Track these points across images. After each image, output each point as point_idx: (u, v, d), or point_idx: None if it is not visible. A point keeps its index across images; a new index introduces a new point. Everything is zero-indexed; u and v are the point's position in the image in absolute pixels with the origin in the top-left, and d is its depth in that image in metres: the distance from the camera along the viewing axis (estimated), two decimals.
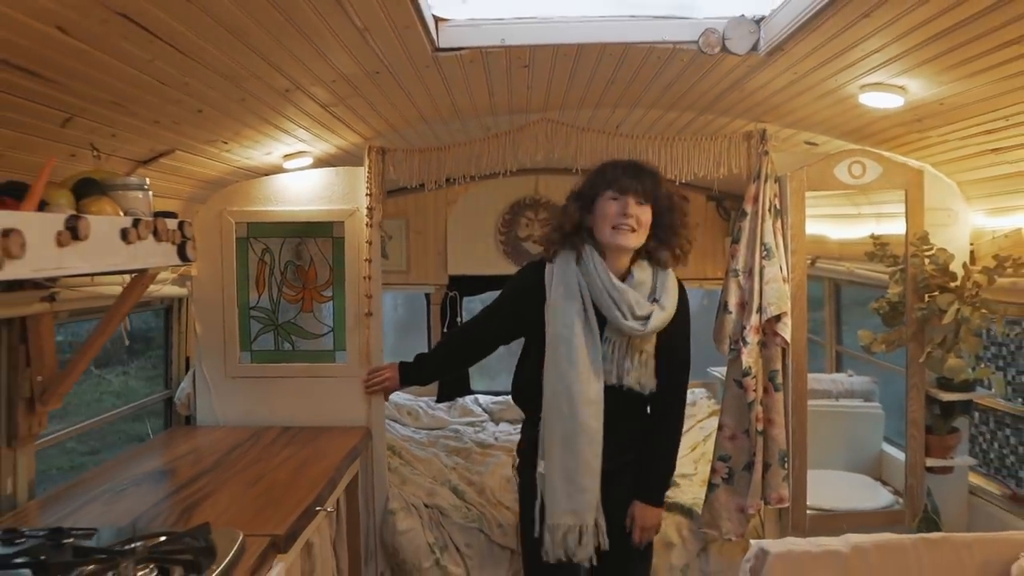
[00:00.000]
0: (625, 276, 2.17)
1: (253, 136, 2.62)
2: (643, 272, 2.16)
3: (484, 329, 2.54)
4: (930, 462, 2.81)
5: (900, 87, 2.17)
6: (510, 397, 2.75)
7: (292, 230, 3.10)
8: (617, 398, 2.16)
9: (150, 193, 2.10)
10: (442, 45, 2.06)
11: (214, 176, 2.97)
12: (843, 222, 3.66)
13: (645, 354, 2.14)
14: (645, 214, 2.12)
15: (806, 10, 1.75)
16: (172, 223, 2.14)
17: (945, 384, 2.77)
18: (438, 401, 4.60)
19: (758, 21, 2.04)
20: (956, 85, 2.07)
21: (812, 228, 4.00)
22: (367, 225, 3.04)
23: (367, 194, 3.03)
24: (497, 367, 5.41)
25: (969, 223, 2.87)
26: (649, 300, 2.14)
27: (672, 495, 3.26)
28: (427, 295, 4.84)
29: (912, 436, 2.79)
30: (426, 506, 3.17)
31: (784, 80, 2.29)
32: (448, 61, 2.14)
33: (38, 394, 2.26)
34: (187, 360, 3.30)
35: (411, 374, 2.75)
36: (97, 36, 1.57)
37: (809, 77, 2.23)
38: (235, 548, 1.79)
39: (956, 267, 2.71)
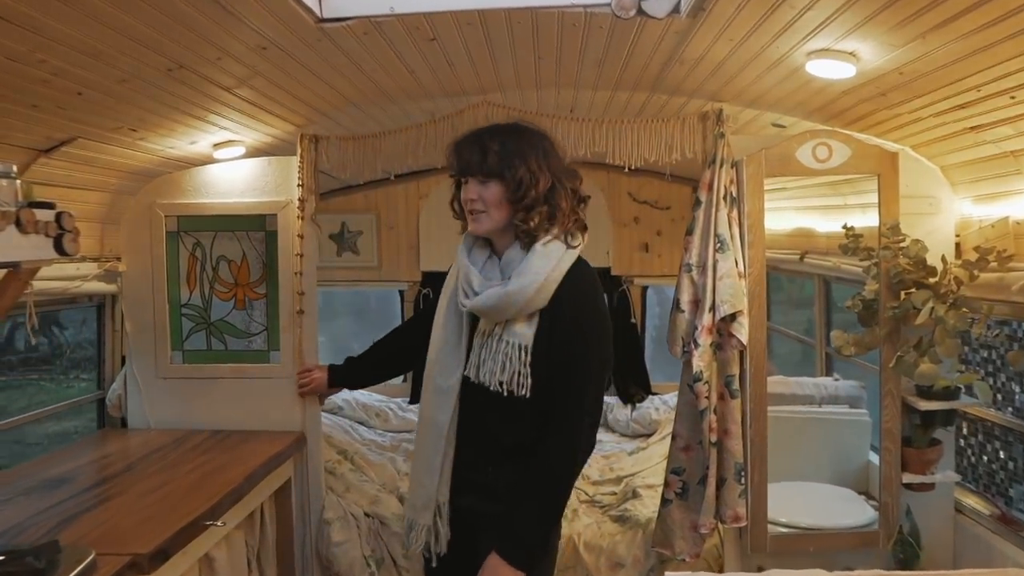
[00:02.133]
0: None
1: (164, 123, 2.46)
2: (512, 251, 1.80)
3: (411, 327, 2.34)
4: (907, 478, 2.52)
5: (850, 53, 1.91)
6: None
7: (223, 223, 2.94)
8: (476, 396, 1.82)
9: (17, 181, 1.93)
10: (326, 15, 1.86)
11: (141, 167, 2.82)
12: (830, 214, 3.38)
13: (508, 346, 1.75)
14: (490, 191, 1.76)
15: None
16: (46, 214, 1.98)
17: (925, 391, 2.48)
18: (410, 402, 4.41)
19: None
20: (912, 49, 1.80)
21: (798, 221, 3.76)
22: (298, 218, 2.85)
23: (299, 184, 2.85)
24: None
25: (955, 212, 2.58)
26: (501, 278, 1.79)
27: (631, 508, 3.03)
28: (401, 292, 4.66)
29: (887, 449, 2.52)
30: (367, 515, 2.98)
31: (722, 49, 2.05)
32: (339, 33, 1.94)
33: None
34: (123, 359, 3.16)
35: (340, 375, 2.53)
36: None
37: (748, 44, 1.98)
38: (79, 569, 1.63)
39: (937, 260, 2.43)
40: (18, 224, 1.86)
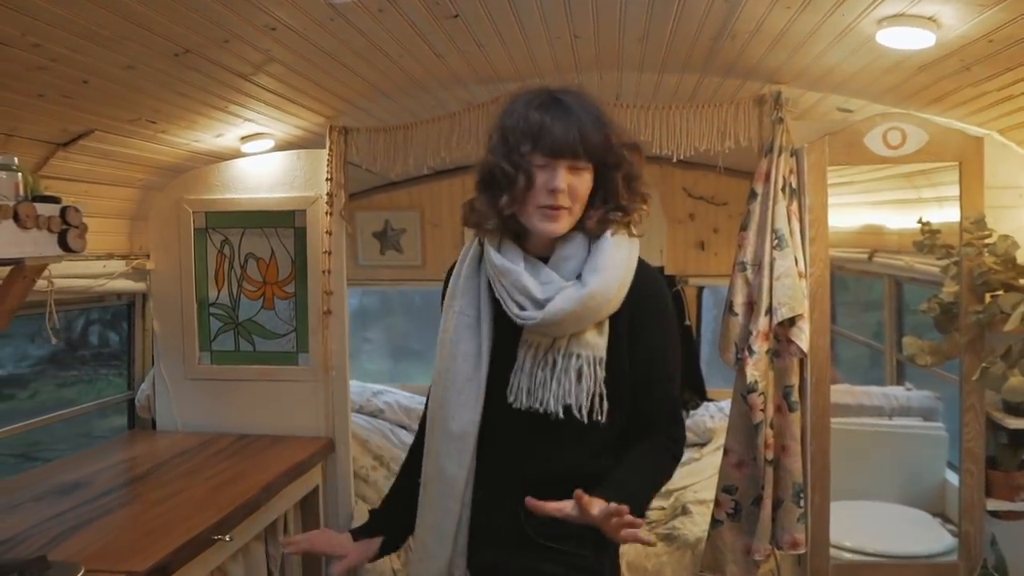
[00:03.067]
0: (549, 256, 1.43)
1: (183, 115, 2.36)
2: (570, 247, 1.41)
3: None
4: (992, 504, 2.23)
5: (928, 18, 1.65)
6: None
7: (252, 220, 2.83)
8: (534, 429, 1.39)
9: (18, 174, 1.84)
10: None
11: (168, 161, 2.74)
12: (902, 208, 3.08)
13: (582, 360, 1.37)
14: (584, 182, 1.37)
15: None
16: (49, 208, 1.88)
17: (1014, 407, 2.19)
18: None
19: None
20: (1002, 10, 1.54)
21: (867, 217, 3.46)
22: (327, 214, 2.73)
23: (327, 179, 2.72)
24: None
25: None
26: (568, 279, 1.39)
27: (680, 525, 2.81)
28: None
29: (968, 471, 2.23)
30: None
31: (780, 19, 1.81)
32: (353, 11, 1.79)
33: None
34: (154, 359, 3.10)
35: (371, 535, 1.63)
36: None
37: (809, 12, 1.74)
38: None
39: None
40: (16, 219, 1.77)
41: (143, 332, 3.02)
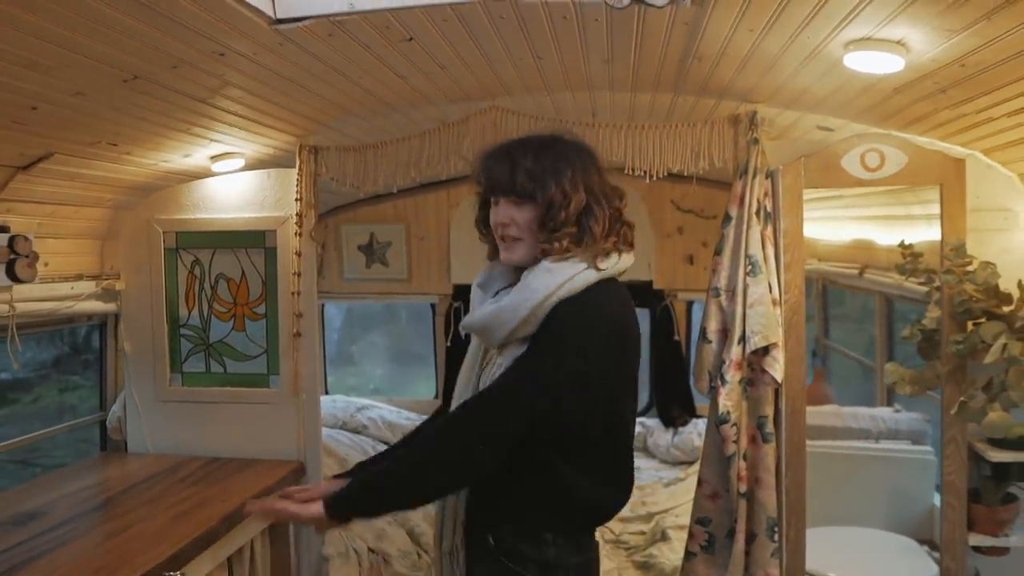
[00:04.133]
0: None
1: (145, 137, 2.31)
2: (529, 271, 1.51)
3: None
4: (975, 539, 2.15)
5: (896, 42, 1.58)
6: None
7: (222, 240, 2.79)
8: None
9: None
10: (280, 15, 1.66)
11: (138, 181, 2.70)
12: (891, 225, 3.00)
13: (498, 367, 1.50)
14: (524, 215, 1.48)
15: None
16: None
17: (997, 440, 2.11)
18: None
19: None
20: (972, 35, 1.47)
21: (857, 232, 3.38)
22: (296, 234, 2.68)
23: (296, 199, 2.67)
24: None
25: None
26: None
27: (657, 553, 2.74)
28: (432, 305, 4.46)
29: (950, 505, 2.15)
30: (371, 550, 2.79)
31: (744, 41, 1.75)
32: (302, 36, 1.73)
33: None
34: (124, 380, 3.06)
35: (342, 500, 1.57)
36: None
37: (773, 34, 1.68)
38: None
39: (1013, 286, 2.06)
40: None
41: (115, 352, 2.98)
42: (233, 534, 2.29)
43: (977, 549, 2.18)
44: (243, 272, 2.79)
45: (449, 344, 4.26)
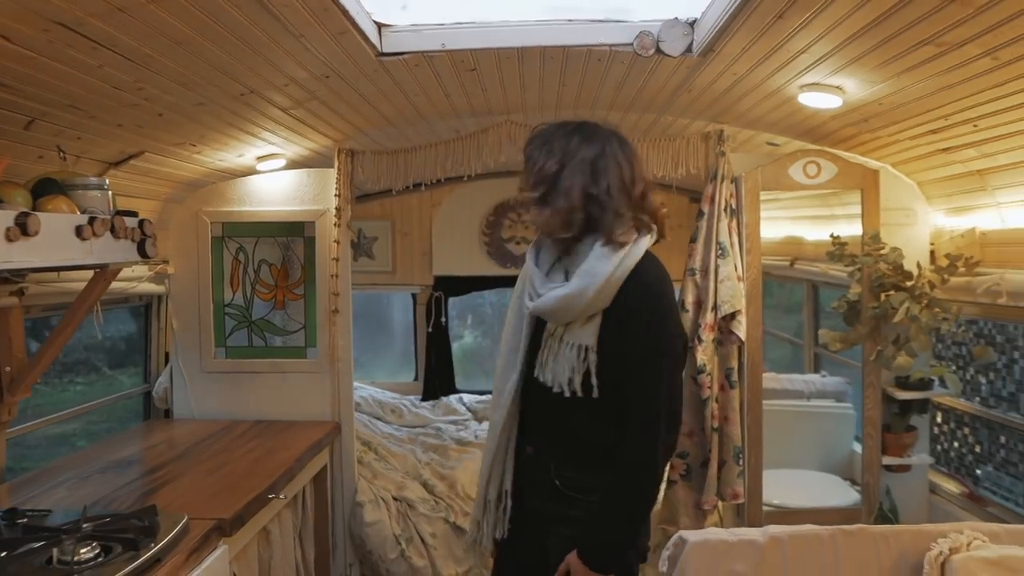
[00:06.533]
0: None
1: (221, 139, 2.71)
2: (577, 254, 1.75)
3: None
4: (886, 460, 2.82)
5: (836, 87, 2.21)
6: None
7: (265, 230, 3.20)
8: (544, 397, 1.78)
9: (109, 192, 2.19)
10: (386, 50, 2.13)
11: (190, 177, 3.08)
12: (818, 223, 3.68)
13: (569, 348, 1.71)
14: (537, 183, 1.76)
15: (725, 11, 1.80)
16: (132, 221, 2.24)
17: (902, 383, 2.79)
18: (423, 399, 4.67)
19: (691, 23, 2.09)
20: (889, 85, 2.10)
21: (789, 230, 4.06)
22: (335, 225, 3.12)
23: (336, 195, 3.11)
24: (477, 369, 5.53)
25: (930, 223, 2.89)
26: (566, 279, 1.75)
27: None
28: (414, 295, 4.91)
29: (868, 434, 2.81)
30: (395, 499, 3.24)
31: (726, 81, 2.34)
32: (395, 65, 2.21)
33: (7, 384, 2.36)
34: (166, 355, 3.40)
35: None
36: (41, 43, 1.65)
37: (749, 78, 2.28)
38: (177, 529, 1.88)
39: (913, 266, 2.74)
40: (112, 230, 2.11)
41: (158, 331, 3.33)
42: (298, 477, 2.72)
43: (887, 468, 2.84)
44: (283, 258, 3.21)
45: (430, 330, 4.74)
